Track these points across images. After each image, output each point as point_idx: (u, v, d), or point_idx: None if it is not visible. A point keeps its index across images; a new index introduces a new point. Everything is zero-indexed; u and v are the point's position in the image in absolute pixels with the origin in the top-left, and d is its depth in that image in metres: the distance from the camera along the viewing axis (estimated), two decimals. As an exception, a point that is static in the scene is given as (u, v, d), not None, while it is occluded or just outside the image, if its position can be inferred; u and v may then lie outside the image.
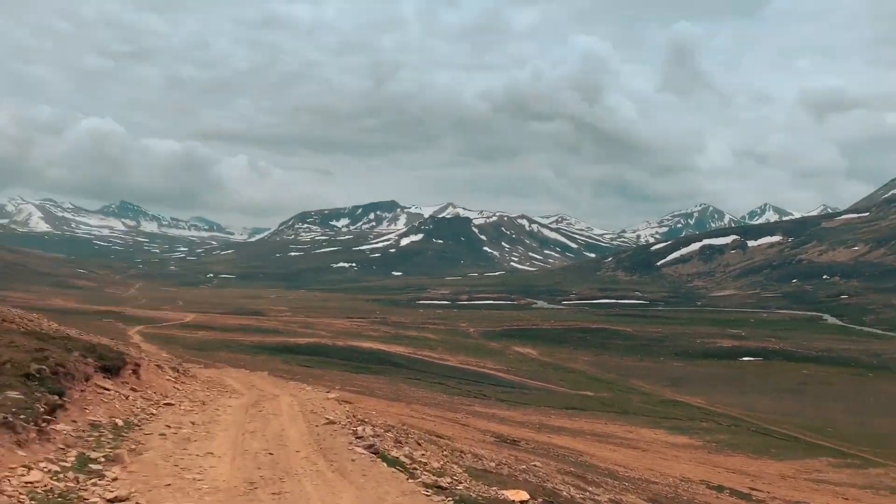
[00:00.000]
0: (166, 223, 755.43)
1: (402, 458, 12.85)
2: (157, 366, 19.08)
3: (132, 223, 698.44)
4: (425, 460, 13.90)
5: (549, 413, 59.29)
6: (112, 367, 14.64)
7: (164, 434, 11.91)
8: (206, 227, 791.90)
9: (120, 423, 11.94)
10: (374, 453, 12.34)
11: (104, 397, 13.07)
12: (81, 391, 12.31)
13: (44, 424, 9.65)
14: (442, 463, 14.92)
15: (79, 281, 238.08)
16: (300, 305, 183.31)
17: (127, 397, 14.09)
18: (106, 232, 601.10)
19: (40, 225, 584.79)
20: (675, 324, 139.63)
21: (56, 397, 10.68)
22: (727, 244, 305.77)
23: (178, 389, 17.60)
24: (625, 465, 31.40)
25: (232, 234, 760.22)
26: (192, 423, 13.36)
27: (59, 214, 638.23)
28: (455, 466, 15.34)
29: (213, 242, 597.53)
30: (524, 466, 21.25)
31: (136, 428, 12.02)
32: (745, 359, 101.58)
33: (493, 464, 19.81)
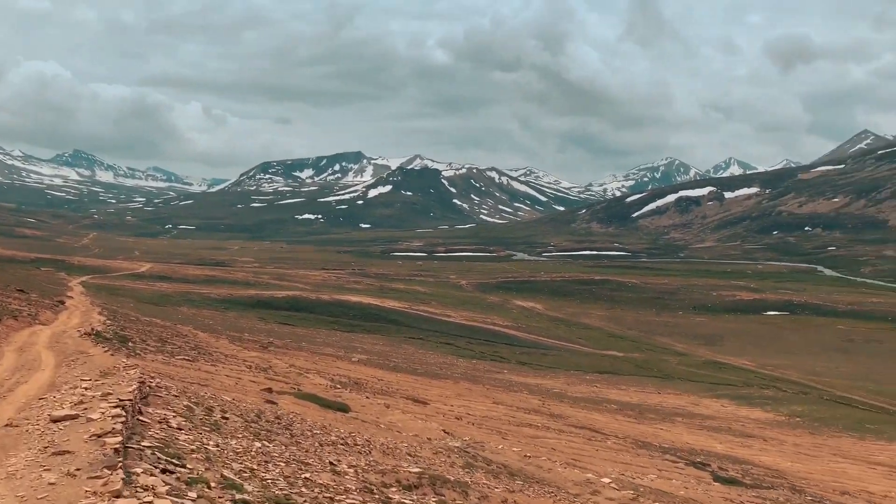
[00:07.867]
0: (122, 173, 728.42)
1: None
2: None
3: (87, 173, 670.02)
4: None
5: (586, 380, 49.51)
6: None
7: None
8: (164, 178, 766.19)
9: None
10: None
11: None
12: None
13: None
14: None
15: (26, 230, 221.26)
16: (267, 257, 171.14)
17: None
18: (59, 181, 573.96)
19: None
20: (672, 276, 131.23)
21: None
22: (704, 195, 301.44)
23: None
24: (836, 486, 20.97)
25: (190, 184, 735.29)
26: None
27: (9, 162, 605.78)
28: None
29: (171, 193, 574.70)
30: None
31: None
32: (769, 313, 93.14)
33: None
